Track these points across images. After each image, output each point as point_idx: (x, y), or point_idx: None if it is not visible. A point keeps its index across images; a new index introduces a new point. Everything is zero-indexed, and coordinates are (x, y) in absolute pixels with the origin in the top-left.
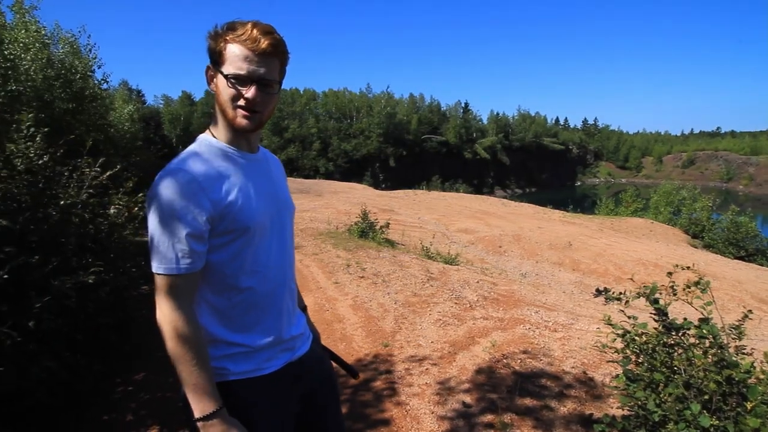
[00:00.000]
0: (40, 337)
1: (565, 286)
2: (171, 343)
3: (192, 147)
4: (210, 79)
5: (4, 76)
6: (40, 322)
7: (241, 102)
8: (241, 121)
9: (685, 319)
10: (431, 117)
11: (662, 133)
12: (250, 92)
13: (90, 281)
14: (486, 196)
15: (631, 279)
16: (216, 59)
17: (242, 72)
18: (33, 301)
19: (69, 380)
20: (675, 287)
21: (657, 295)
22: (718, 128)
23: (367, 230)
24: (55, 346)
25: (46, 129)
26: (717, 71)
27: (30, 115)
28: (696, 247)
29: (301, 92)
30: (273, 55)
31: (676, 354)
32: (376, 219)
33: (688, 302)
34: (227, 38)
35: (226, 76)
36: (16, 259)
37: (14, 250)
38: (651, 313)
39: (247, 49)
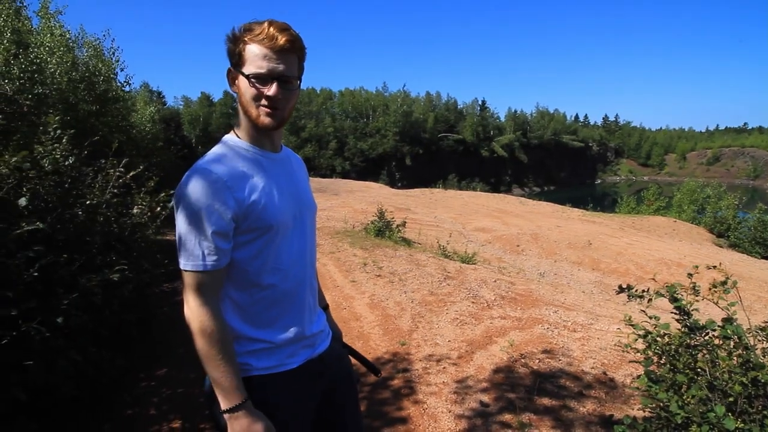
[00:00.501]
0: (67, 332)
1: (585, 285)
2: (198, 338)
3: (217, 148)
4: (232, 81)
5: (32, 80)
6: (68, 318)
7: (264, 100)
8: (264, 119)
9: (709, 319)
10: (448, 115)
11: (686, 130)
12: (271, 90)
13: (115, 279)
14: (503, 195)
15: (653, 279)
16: (236, 61)
17: (262, 70)
18: (61, 298)
19: (94, 375)
20: (698, 287)
21: (679, 295)
22: (745, 124)
23: (383, 229)
24: (81, 342)
25: (72, 131)
26: (744, 65)
27: (57, 118)
28: (721, 247)
29: (318, 92)
30: (291, 52)
31: (699, 355)
32: (393, 218)
33: (713, 302)
34: (245, 39)
35: (247, 77)
36: (45, 258)
37: (43, 248)
38: (672, 312)
39: (266, 48)
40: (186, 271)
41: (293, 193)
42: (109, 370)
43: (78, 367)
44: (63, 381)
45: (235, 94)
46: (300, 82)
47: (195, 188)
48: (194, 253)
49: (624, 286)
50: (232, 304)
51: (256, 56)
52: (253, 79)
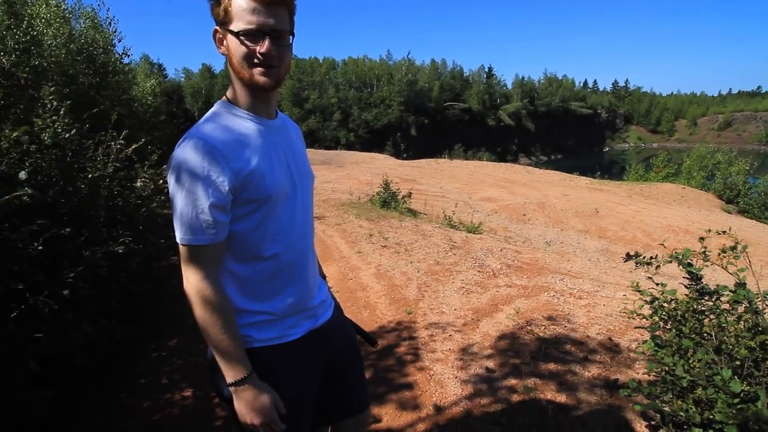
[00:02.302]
0: (76, 304)
1: (591, 253)
2: (199, 312)
3: (210, 114)
4: (219, 42)
5: (28, 52)
6: (75, 290)
7: (257, 58)
8: (260, 78)
9: (718, 285)
10: (453, 83)
11: (698, 95)
12: (264, 46)
13: (120, 251)
14: (510, 164)
15: (662, 245)
16: (222, 19)
17: (252, 26)
18: (67, 271)
19: (106, 345)
20: (708, 253)
21: (691, 260)
22: (759, 87)
23: (389, 200)
24: (91, 313)
25: (68, 102)
26: (759, 26)
27: (52, 89)
28: (730, 213)
29: (321, 61)
30: (281, 4)
31: (706, 320)
32: (398, 189)
33: (722, 267)
34: None
35: (236, 34)
36: (49, 231)
37: (47, 222)
38: (684, 278)
39: (254, 1)
40: (183, 245)
41: (292, 162)
42: (120, 340)
43: (90, 338)
44: (76, 351)
45: (224, 55)
46: (293, 37)
47: (190, 158)
48: (192, 227)
49: (632, 253)
50: (231, 278)
51: (244, 11)
52: (242, 36)
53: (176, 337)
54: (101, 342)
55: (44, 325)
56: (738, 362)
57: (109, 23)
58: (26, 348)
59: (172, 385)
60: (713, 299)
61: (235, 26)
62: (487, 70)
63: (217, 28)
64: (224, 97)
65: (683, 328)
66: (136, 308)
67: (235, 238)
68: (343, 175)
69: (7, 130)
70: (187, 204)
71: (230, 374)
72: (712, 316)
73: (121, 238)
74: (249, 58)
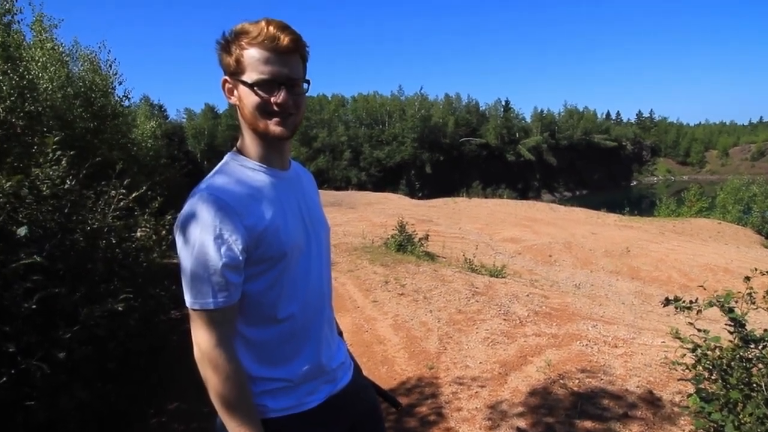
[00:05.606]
0: (70, 366)
1: (624, 296)
2: (212, 382)
3: (220, 167)
4: (229, 92)
5: (22, 96)
6: (70, 352)
7: (272, 109)
8: (275, 128)
9: (765, 330)
10: (469, 118)
11: (727, 124)
12: (280, 96)
13: (119, 309)
14: (532, 201)
15: (702, 287)
16: (233, 69)
17: (266, 76)
18: (62, 332)
19: (100, 409)
20: (753, 294)
21: (732, 304)
22: None
23: (404, 243)
24: (85, 374)
25: (71, 152)
26: None
27: (56, 138)
28: None
29: (329, 98)
30: (294, 52)
31: (754, 369)
32: (414, 231)
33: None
34: (242, 43)
35: (250, 85)
36: (45, 289)
37: (42, 278)
38: (726, 324)
39: (267, 51)
40: (194, 310)
41: (306, 214)
42: (116, 403)
43: (84, 403)
44: (67, 416)
45: (235, 106)
46: (309, 85)
47: (200, 216)
48: (202, 290)
49: (671, 297)
50: (243, 342)
51: (257, 61)
52: (257, 87)
53: (177, 400)
54: (95, 406)
55: (36, 390)
56: None
57: (110, 65)
58: (16, 416)
59: None
60: (760, 347)
61: (248, 77)
62: (504, 103)
63: (227, 78)
64: (234, 148)
65: (730, 379)
66: (133, 368)
67: (247, 299)
68: (355, 218)
69: (2, 180)
70: (198, 265)
71: None
72: (760, 365)
73: (120, 293)
74: (264, 108)
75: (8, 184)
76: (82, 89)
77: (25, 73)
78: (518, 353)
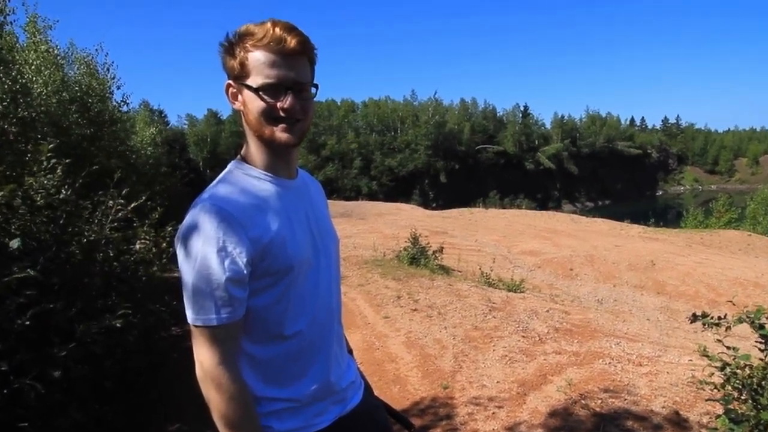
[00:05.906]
0: (66, 386)
1: (649, 312)
2: (215, 402)
3: (223, 176)
4: (233, 97)
5: (15, 101)
6: (66, 371)
7: (279, 114)
8: (282, 135)
9: None
10: (486, 124)
11: (758, 130)
12: (287, 101)
13: (118, 325)
14: (552, 212)
15: (731, 302)
16: (238, 73)
17: (272, 80)
18: (57, 349)
19: (97, 431)
20: None
21: (763, 320)
22: None
23: (418, 256)
24: (81, 393)
25: (67, 160)
26: None
27: (51, 146)
28: None
29: (339, 104)
30: (302, 54)
31: None
32: (428, 243)
33: None
34: (246, 45)
35: (255, 90)
36: (39, 305)
37: (36, 293)
38: (756, 341)
39: (273, 53)
40: (197, 326)
41: (314, 226)
42: (113, 422)
43: (79, 425)
44: None
45: (239, 111)
46: (317, 89)
47: (202, 228)
48: (205, 306)
49: (698, 313)
50: (247, 360)
51: (263, 64)
52: (262, 92)
53: (178, 420)
54: (91, 427)
55: (29, 411)
56: None
57: (108, 68)
58: None
59: None
60: None
61: (253, 81)
62: (522, 108)
63: (231, 82)
64: (238, 156)
65: (761, 399)
66: (132, 386)
67: (252, 315)
68: (365, 229)
69: None
70: (200, 279)
71: None
72: None
73: (119, 309)
74: (270, 114)
75: (0, 194)
76: (78, 94)
77: (18, 76)
78: (537, 372)
